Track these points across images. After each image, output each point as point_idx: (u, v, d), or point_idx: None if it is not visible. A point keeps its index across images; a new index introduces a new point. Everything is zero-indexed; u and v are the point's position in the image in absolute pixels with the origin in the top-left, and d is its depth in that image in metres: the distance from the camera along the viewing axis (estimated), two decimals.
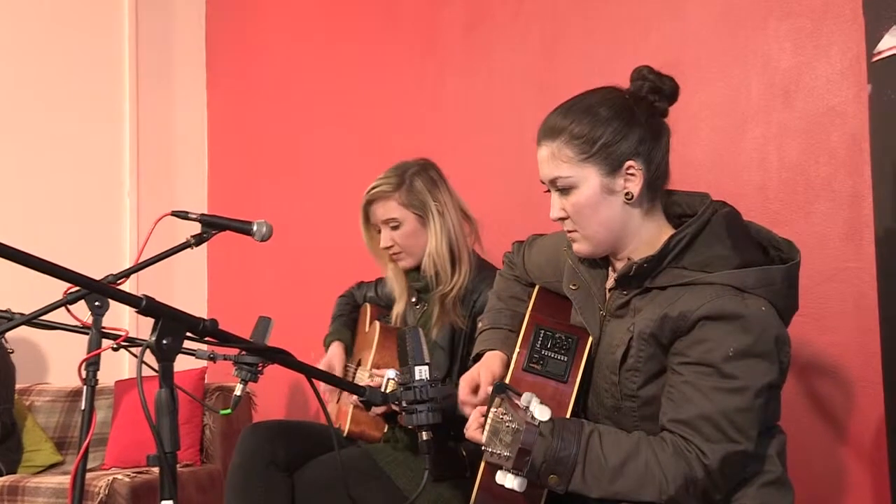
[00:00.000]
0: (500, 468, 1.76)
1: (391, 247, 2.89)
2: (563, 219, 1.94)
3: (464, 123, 3.78)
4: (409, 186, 2.85)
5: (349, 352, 3.13)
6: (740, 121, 2.73)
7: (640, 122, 1.87)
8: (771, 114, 2.66)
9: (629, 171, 1.86)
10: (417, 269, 2.92)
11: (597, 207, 1.88)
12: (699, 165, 2.80)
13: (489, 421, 1.81)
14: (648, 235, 1.91)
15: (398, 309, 2.99)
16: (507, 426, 1.72)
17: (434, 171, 2.92)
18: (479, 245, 2.98)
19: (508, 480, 1.74)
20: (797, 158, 2.60)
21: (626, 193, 1.87)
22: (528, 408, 1.70)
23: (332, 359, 3.06)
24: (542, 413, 1.69)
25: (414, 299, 2.98)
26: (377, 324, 2.95)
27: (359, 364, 3.00)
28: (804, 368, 2.55)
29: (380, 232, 2.92)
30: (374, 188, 2.88)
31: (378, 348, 2.87)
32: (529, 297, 2.28)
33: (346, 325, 3.23)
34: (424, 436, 1.82)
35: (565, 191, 1.90)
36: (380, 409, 2.69)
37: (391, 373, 2.49)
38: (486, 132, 3.67)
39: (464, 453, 2.70)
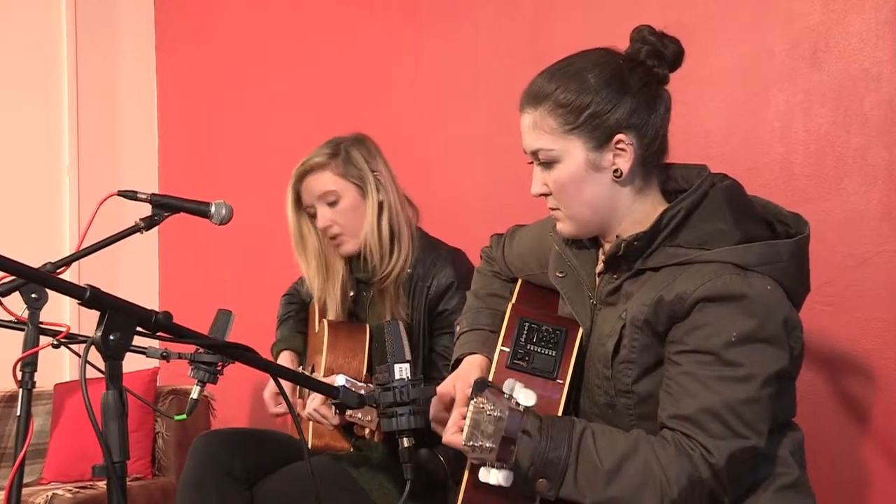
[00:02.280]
0: (484, 465, 1.74)
1: (330, 227, 2.89)
2: (545, 195, 1.95)
3: (445, 97, 3.78)
4: (346, 156, 2.88)
5: (302, 358, 3.14)
6: (761, 86, 2.75)
7: (634, 91, 1.88)
8: (796, 78, 2.68)
9: (619, 146, 1.87)
10: (357, 256, 2.93)
11: (581, 185, 1.90)
12: (714, 138, 2.81)
13: (469, 415, 1.81)
14: (641, 214, 1.93)
15: (332, 310, 3.00)
16: (489, 415, 1.71)
17: (370, 143, 2.96)
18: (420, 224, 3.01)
19: (493, 476, 1.71)
20: (826, 128, 2.61)
21: (615, 170, 1.89)
22: (511, 395, 1.70)
23: None
24: (526, 398, 1.67)
25: (353, 292, 2.99)
26: (324, 322, 2.95)
27: (312, 370, 3.00)
28: (830, 362, 2.57)
29: (314, 216, 2.94)
30: (306, 160, 2.90)
31: (329, 349, 2.87)
32: (512, 293, 2.29)
33: (295, 328, 3.23)
34: (405, 442, 1.83)
35: (548, 165, 1.92)
36: (335, 420, 2.69)
37: (341, 379, 2.49)
38: (471, 107, 3.67)
39: (442, 459, 2.71)
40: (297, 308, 3.30)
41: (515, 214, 2.55)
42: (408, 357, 1.87)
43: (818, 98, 2.63)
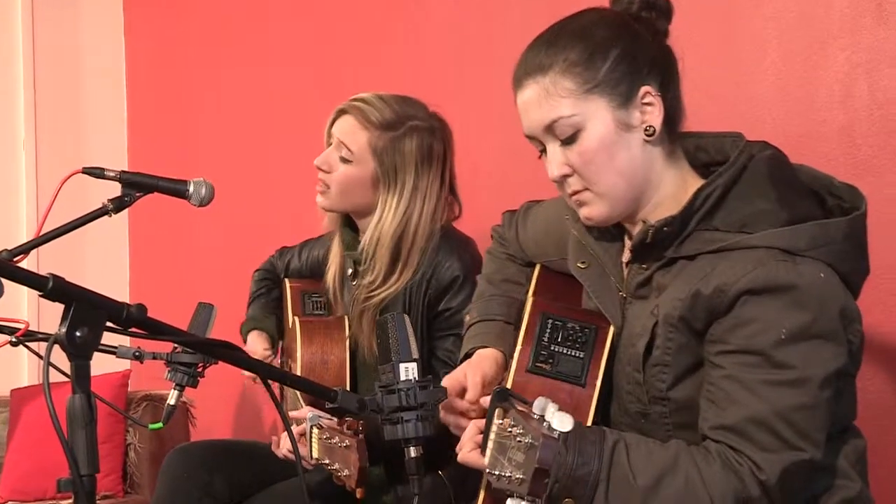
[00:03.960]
0: (511, 496, 1.72)
1: (322, 169, 2.88)
2: (566, 176, 1.92)
3: (451, 58, 3.77)
4: (396, 139, 2.82)
5: (276, 343, 3.15)
6: (819, 43, 2.74)
7: (647, 42, 1.89)
8: (859, 33, 2.67)
9: (645, 101, 1.87)
10: (356, 230, 2.94)
11: (612, 150, 1.88)
12: (764, 101, 2.81)
13: (492, 436, 1.80)
14: (672, 187, 1.92)
15: (329, 279, 3.00)
16: (518, 441, 1.70)
17: (440, 144, 2.89)
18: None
19: None
20: (893, 91, 2.61)
21: (647, 128, 1.88)
22: (542, 416, 1.68)
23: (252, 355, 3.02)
24: (562, 422, 1.67)
25: (350, 271, 2.97)
26: (296, 320, 2.96)
27: (289, 369, 3.00)
28: (893, 356, 2.57)
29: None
30: (359, 100, 2.86)
31: (304, 349, 2.87)
32: (529, 279, 2.28)
33: (267, 307, 3.25)
34: (413, 452, 1.82)
35: (569, 138, 1.89)
36: (312, 461, 2.61)
37: (312, 416, 2.46)
38: (481, 69, 3.66)
39: (446, 482, 2.70)
40: (270, 285, 3.31)
41: (536, 190, 2.54)
42: (414, 355, 1.86)
43: (884, 56, 2.62)
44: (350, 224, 2.99)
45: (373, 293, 2.82)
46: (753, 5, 2.79)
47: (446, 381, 2.14)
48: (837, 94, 2.69)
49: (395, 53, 4.01)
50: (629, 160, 1.89)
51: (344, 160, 2.84)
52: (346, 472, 2.36)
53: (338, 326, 2.90)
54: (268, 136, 4.60)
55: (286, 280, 3.25)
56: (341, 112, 2.88)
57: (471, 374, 2.13)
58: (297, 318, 2.97)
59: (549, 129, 1.90)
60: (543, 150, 1.95)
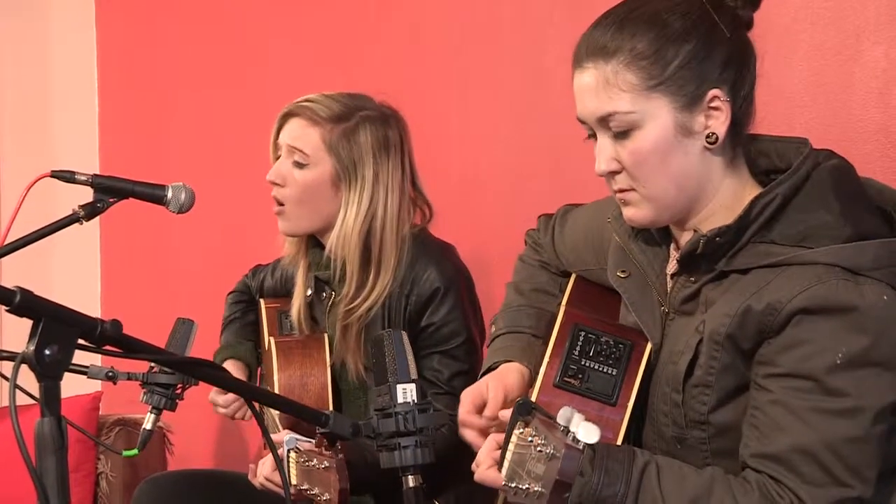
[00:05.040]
0: None
1: (276, 185, 2.86)
2: (614, 172, 1.93)
3: (453, 54, 3.77)
4: (350, 130, 2.83)
5: (253, 371, 3.15)
6: (853, 35, 2.74)
7: (725, 38, 1.87)
8: (895, 25, 2.67)
9: (712, 105, 1.87)
10: (321, 246, 2.93)
11: (667, 155, 1.87)
12: (794, 100, 2.81)
13: (511, 447, 1.80)
14: (729, 196, 1.92)
15: (296, 305, 3.00)
16: (539, 451, 1.69)
17: (395, 132, 2.90)
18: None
19: None
20: None
21: (709, 135, 1.87)
22: (567, 427, 1.68)
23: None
24: (588, 433, 1.66)
25: (310, 291, 2.98)
26: (271, 341, 2.96)
27: None
28: None
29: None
30: (303, 100, 2.88)
31: (281, 372, 2.86)
32: (563, 290, 2.28)
33: (241, 333, 3.25)
34: (411, 481, 1.82)
35: (623, 133, 1.89)
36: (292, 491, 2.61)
37: (290, 439, 2.46)
38: (487, 65, 3.66)
39: None
40: (244, 308, 3.30)
41: (547, 200, 2.54)
42: (413, 375, 1.85)
43: None
44: (317, 244, 3.00)
45: (353, 306, 2.81)
46: None
47: (466, 394, 2.15)
48: (873, 91, 2.69)
49: (391, 48, 4.00)
50: (684, 167, 1.89)
51: (298, 165, 2.85)
52: (325, 496, 2.35)
53: (317, 344, 2.89)
54: (251, 139, 4.58)
55: (261, 301, 3.25)
56: (286, 116, 2.90)
57: (492, 387, 2.12)
58: (272, 339, 2.96)
59: (603, 121, 1.90)
60: (592, 135, 1.94)
